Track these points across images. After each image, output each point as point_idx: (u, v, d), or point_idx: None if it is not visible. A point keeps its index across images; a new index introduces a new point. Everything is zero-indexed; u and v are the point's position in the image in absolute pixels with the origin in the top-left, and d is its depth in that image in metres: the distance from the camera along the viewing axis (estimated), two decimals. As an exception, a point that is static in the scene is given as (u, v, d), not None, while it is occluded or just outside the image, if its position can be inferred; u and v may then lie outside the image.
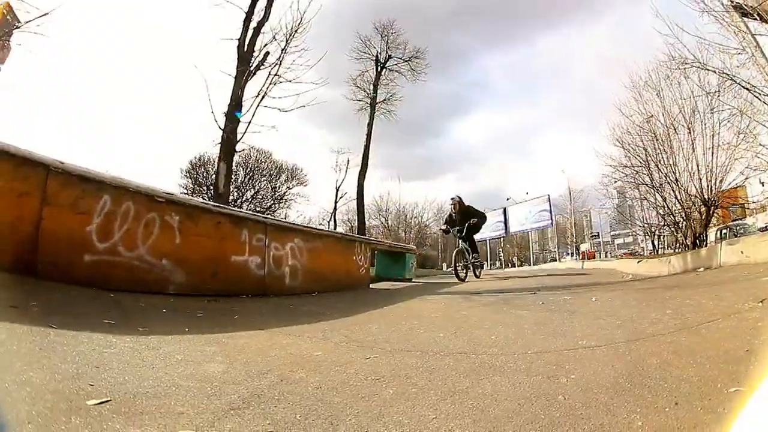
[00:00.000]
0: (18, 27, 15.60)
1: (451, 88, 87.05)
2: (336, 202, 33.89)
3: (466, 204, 11.07)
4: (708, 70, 9.80)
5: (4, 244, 3.23)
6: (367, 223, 27.26)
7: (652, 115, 11.56)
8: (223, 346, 2.63)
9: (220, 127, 12.94)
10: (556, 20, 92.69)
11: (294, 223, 6.10)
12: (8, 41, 17.56)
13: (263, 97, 13.72)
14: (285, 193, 34.78)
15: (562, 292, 5.59)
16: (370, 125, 24.91)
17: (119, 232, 3.81)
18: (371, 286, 7.57)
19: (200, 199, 4.40)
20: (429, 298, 5.93)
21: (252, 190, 33.81)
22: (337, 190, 33.57)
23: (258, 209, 30.84)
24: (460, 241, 10.43)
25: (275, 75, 14.13)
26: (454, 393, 1.89)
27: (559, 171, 70.21)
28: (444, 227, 11.10)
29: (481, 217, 10.92)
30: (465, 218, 10.46)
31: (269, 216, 8.07)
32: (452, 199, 10.95)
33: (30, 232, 3.35)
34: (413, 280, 10.01)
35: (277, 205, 34.29)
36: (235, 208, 4.85)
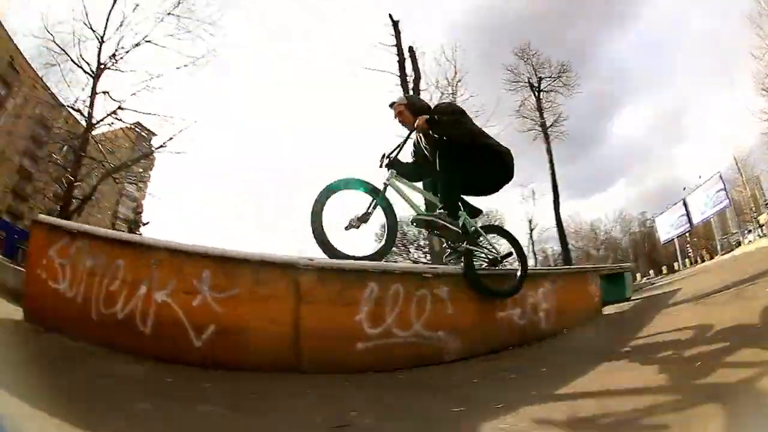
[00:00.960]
0: (163, 146, 18.04)
1: (593, 88, 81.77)
2: (531, 235, 32.88)
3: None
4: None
5: (259, 349, 3.32)
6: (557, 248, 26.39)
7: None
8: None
9: None
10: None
11: (542, 268, 5.79)
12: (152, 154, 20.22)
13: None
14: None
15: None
16: (549, 152, 24.66)
17: (392, 315, 3.73)
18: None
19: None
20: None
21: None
22: (530, 222, 32.57)
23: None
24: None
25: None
26: None
27: (719, 141, 61.41)
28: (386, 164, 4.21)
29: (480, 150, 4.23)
30: (442, 147, 4.14)
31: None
32: (392, 104, 4.50)
33: (287, 332, 3.40)
34: (632, 298, 8.97)
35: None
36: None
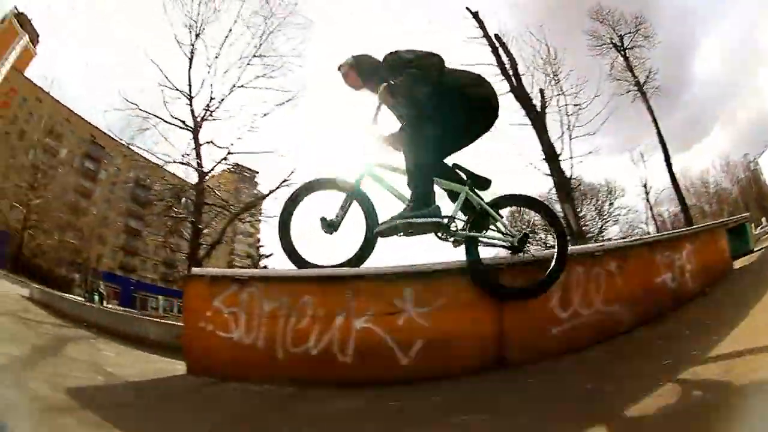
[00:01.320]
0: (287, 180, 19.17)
1: (665, 35, 75.16)
2: (647, 200, 32.16)
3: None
4: None
5: (465, 353, 3.55)
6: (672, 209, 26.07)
7: None
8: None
9: (546, 174, 13.52)
10: None
11: (685, 229, 5.75)
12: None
13: (572, 129, 14.22)
14: (610, 210, 34.60)
15: None
16: (650, 110, 23.55)
17: (577, 296, 3.86)
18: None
19: (628, 239, 4.40)
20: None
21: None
22: (645, 186, 31.77)
23: (589, 234, 30.70)
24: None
25: (566, 105, 14.86)
26: None
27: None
28: None
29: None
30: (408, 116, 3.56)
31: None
32: (339, 67, 3.75)
33: (492, 332, 3.63)
34: (754, 249, 8.55)
35: (604, 224, 34.22)
36: (647, 236, 4.69)
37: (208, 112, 18.44)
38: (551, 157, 12.89)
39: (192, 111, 18.40)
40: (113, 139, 21.58)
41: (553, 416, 2.37)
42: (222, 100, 18.71)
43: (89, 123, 35.65)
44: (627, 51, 24.77)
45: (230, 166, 20.48)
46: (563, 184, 12.63)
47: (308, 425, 2.69)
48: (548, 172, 12.83)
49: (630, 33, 24.77)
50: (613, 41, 24.82)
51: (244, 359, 3.68)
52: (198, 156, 18.04)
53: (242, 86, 19.10)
